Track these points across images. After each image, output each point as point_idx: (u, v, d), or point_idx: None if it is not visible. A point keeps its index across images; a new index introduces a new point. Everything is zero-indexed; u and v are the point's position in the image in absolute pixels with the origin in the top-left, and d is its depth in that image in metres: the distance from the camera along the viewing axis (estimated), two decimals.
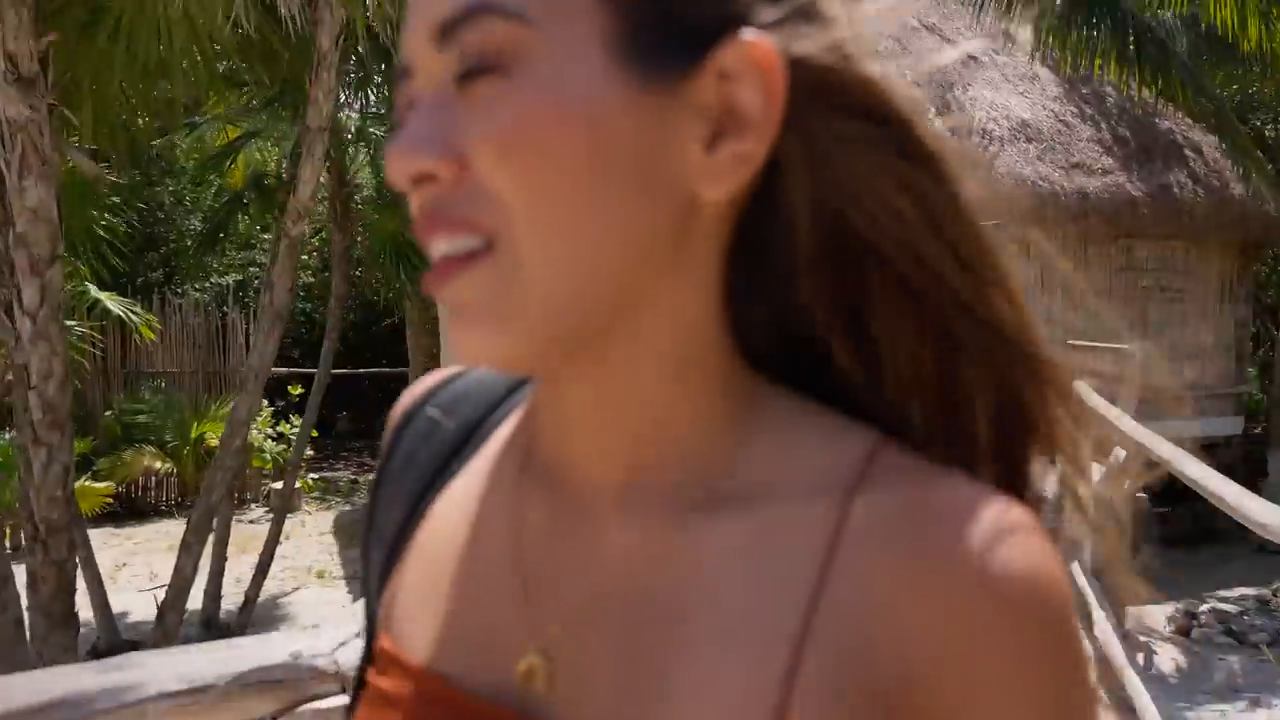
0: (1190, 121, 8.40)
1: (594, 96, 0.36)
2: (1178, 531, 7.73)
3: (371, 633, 0.50)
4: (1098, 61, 7.34)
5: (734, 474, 0.41)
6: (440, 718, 0.43)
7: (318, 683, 0.77)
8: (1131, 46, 7.22)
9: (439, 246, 0.38)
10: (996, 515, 0.37)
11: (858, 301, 0.40)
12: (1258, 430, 9.60)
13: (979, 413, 0.40)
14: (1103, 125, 9.39)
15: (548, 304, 0.37)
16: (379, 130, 6.60)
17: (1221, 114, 8.27)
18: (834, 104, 0.38)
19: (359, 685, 0.49)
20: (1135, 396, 5.67)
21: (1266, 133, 10.52)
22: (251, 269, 12.84)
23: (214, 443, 9.26)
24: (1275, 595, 7.21)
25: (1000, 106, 9.21)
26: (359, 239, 6.56)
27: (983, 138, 8.70)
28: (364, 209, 7.88)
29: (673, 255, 0.39)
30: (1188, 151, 9.40)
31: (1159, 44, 7.43)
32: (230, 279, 12.27)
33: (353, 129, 7.25)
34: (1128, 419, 4.45)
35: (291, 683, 0.76)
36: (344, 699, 0.76)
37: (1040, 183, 8.68)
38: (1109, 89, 9.13)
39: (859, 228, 0.39)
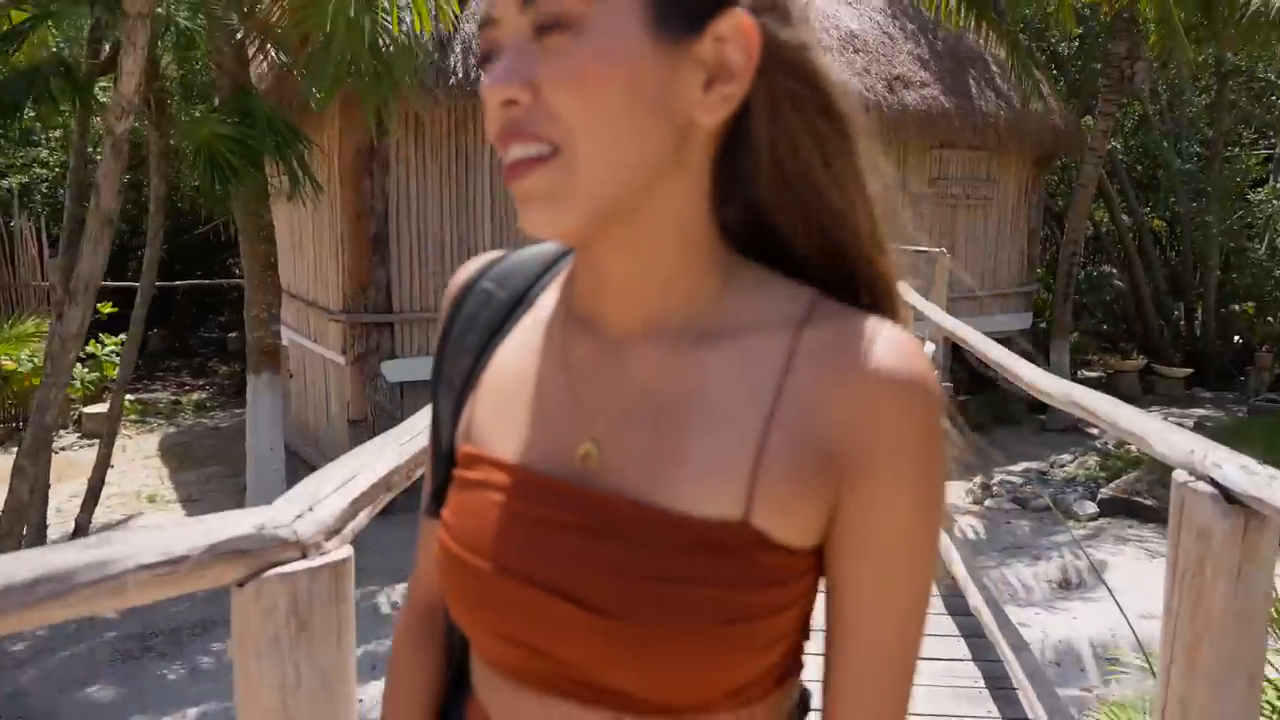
0: (995, 38, 8.94)
1: (633, 51, 0.52)
2: (974, 417, 8.62)
3: (451, 446, 0.67)
4: None
5: (720, 317, 0.58)
6: (525, 492, 0.59)
7: (281, 550, 0.84)
8: None
9: (515, 151, 0.53)
10: (892, 338, 0.56)
11: (790, 201, 0.58)
12: (1043, 324, 10.75)
13: (858, 279, 0.60)
14: (921, 40, 9.89)
15: (595, 192, 0.53)
16: (191, 21, 6.01)
17: (1013, 34, 8.89)
18: (788, 71, 0.55)
19: (443, 486, 0.67)
20: (944, 294, 6.26)
21: (1061, 50, 11.46)
22: (37, 169, 11.48)
23: (9, 365, 8.42)
24: (1052, 467, 8.30)
25: (831, 17, 9.50)
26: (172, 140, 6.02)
27: None
28: (177, 108, 7.23)
29: (677, 161, 0.55)
30: (994, 67, 10.10)
31: None
32: (13, 181, 10.87)
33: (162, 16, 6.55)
34: (940, 312, 4.96)
35: (258, 551, 0.83)
36: (305, 563, 0.84)
37: (866, 94, 9.10)
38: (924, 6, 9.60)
39: (787, 156, 0.57)
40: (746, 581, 0.54)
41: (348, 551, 0.89)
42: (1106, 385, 10.16)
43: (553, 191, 0.53)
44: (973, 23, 8.61)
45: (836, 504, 0.56)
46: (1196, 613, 1.39)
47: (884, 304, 0.59)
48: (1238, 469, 1.35)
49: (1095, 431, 8.89)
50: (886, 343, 0.56)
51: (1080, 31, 10.39)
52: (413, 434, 1.23)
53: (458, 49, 6.76)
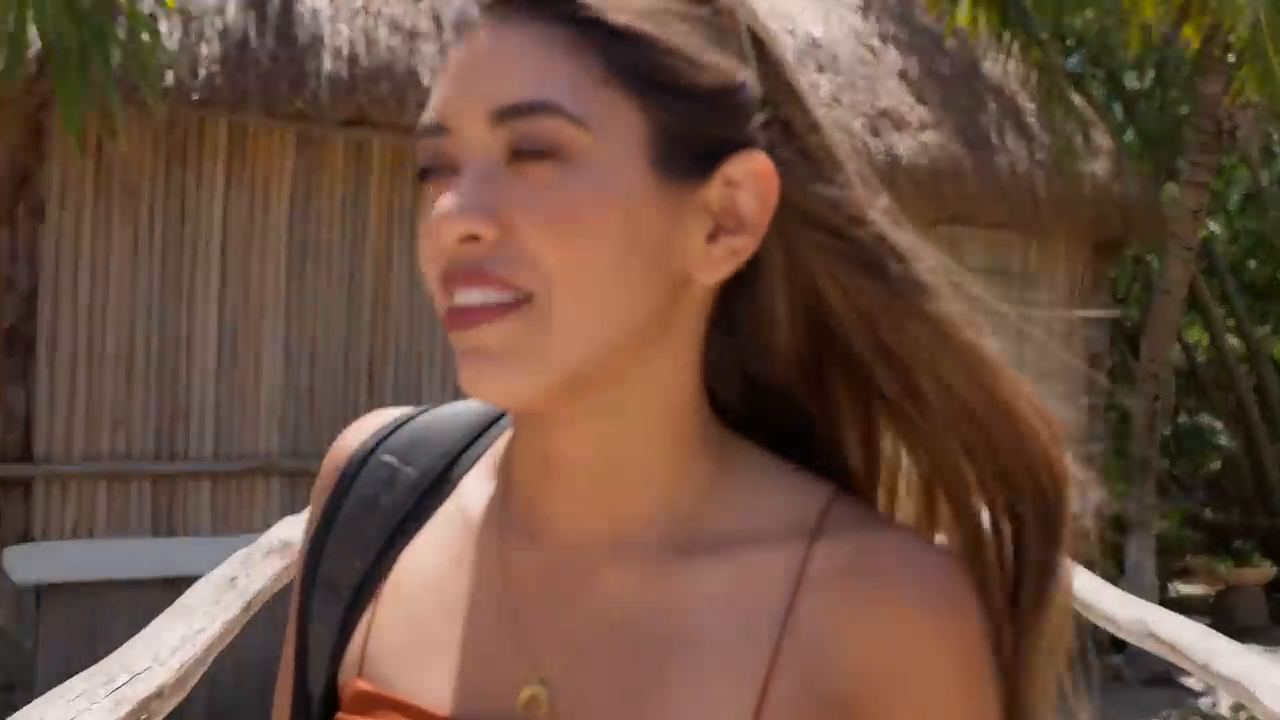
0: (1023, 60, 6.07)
1: (633, 192, 0.47)
2: None
3: (329, 680, 0.56)
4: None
5: (710, 521, 0.51)
6: None
7: None
8: None
9: (470, 296, 0.46)
10: (925, 560, 0.49)
11: (822, 370, 0.53)
12: (1114, 507, 7.38)
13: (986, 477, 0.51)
14: (918, 59, 6.81)
15: (569, 354, 0.47)
16: None
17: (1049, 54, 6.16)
18: (814, 223, 0.50)
19: None
20: None
21: (1127, 84, 8.28)
22: None
23: None
24: None
25: (785, 18, 6.45)
26: None
27: None
28: None
29: (666, 322, 0.50)
30: (1026, 104, 6.98)
31: None
32: None
33: None
34: None
35: None
36: None
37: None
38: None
39: (821, 315, 0.52)
40: None
41: None
42: (1214, 607, 7.98)
43: (517, 349, 0.46)
44: (998, 37, 5.85)
45: None
46: None
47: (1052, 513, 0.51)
48: None
49: (1194, 684, 6.38)
50: (919, 567, 0.49)
51: (1155, 61, 7.31)
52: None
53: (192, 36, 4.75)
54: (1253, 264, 8.89)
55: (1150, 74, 8.25)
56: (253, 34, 4.99)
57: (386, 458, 0.57)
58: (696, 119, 0.48)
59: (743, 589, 0.49)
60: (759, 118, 0.49)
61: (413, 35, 5.29)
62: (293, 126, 5.09)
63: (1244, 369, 8.36)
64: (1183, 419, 8.71)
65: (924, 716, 0.48)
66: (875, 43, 6.80)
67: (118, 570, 4.77)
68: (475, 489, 0.55)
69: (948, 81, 6.89)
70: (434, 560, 0.54)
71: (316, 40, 5.06)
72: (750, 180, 0.48)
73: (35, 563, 4.69)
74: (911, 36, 7.01)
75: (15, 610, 4.67)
